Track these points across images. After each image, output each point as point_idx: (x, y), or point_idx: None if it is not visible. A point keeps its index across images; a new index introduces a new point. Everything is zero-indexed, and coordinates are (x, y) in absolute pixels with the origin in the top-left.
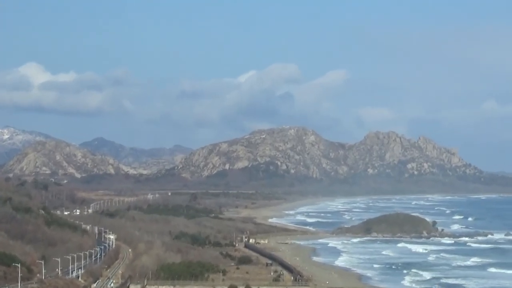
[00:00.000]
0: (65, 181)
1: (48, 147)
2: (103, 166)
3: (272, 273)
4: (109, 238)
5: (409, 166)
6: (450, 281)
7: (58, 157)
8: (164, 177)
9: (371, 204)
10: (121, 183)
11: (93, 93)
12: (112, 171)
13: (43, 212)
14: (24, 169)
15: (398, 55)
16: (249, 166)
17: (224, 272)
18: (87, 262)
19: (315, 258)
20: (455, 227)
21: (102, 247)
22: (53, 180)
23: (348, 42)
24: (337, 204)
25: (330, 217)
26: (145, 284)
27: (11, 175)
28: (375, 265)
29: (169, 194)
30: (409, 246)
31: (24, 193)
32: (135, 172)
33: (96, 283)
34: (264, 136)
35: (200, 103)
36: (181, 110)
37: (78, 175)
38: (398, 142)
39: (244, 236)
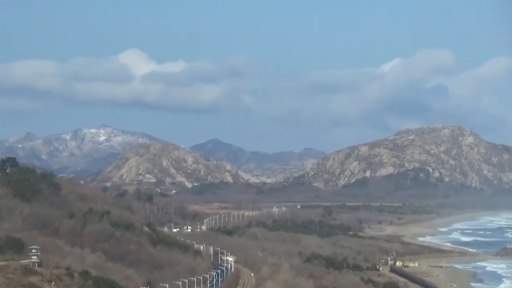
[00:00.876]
0: (173, 192)
1: (152, 151)
2: (219, 174)
3: None
4: (227, 260)
5: None
6: None
7: (164, 163)
8: (292, 186)
9: None
10: (240, 193)
11: (206, 86)
12: (229, 179)
13: (147, 229)
14: (124, 177)
15: None
16: (395, 173)
17: None
18: None
19: (474, 285)
20: None
21: (219, 271)
22: (158, 190)
23: None
24: (501, 219)
25: (491, 236)
26: None
27: (109, 184)
28: None
29: (299, 207)
30: None
31: (125, 206)
32: (257, 181)
33: None
34: (412, 137)
35: (335, 98)
36: (312, 107)
37: (188, 185)
38: None
39: (389, 258)
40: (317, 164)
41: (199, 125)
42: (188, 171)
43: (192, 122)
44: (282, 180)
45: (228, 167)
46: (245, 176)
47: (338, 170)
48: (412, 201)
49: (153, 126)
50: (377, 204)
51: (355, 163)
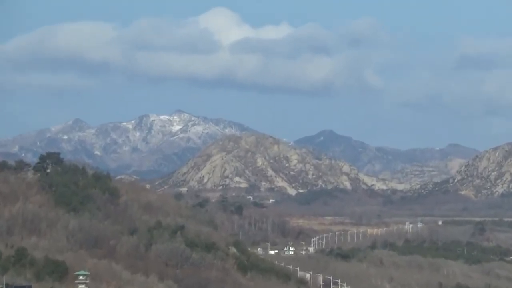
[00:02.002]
0: (271, 201)
1: (244, 145)
2: (333, 177)
3: None
4: None
5: None
6: None
7: (260, 162)
8: (432, 195)
9: None
10: (361, 204)
11: (317, 59)
12: (347, 184)
13: (234, 250)
14: (205, 180)
15: None
16: None
17: None
18: None
19: None
20: None
21: None
22: (251, 198)
23: None
24: None
25: None
26: None
27: (184, 189)
28: None
29: (440, 223)
30: None
31: (205, 220)
32: (384, 187)
33: None
34: None
35: (490, 76)
36: (460, 88)
37: (292, 191)
38: None
39: None
40: (465, 166)
41: (307, 112)
42: (292, 173)
43: (297, 107)
44: (418, 186)
45: (346, 168)
46: (368, 180)
47: (495, 173)
48: None
49: (245, 112)
50: None
51: None
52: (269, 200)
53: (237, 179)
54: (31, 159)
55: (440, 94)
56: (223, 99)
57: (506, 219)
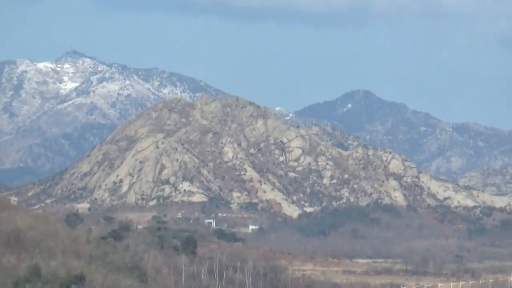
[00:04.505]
0: (252, 229)
1: (199, 120)
2: (372, 183)
3: None
4: None
5: None
6: None
7: (230, 152)
8: None
9: None
10: (425, 235)
11: None
12: (398, 198)
13: None
14: (125, 188)
15: None
16: None
17: None
18: None
19: None
20: None
21: None
22: (213, 223)
23: None
24: None
25: None
26: None
27: (84, 206)
28: None
29: None
30: None
31: (124, 265)
32: (470, 203)
33: None
34: None
35: None
36: None
37: (291, 210)
38: None
39: None
40: None
41: (319, 57)
42: (292, 174)
43: (300, 46)
44: None
45: (396, 165)
46: (439, 189)
47: None
48: None
49: (202, 58)
50: None
51: None
52: (248, 227)
53: (185, 185)
54: None
55: None
56: (157, 31)
57: None
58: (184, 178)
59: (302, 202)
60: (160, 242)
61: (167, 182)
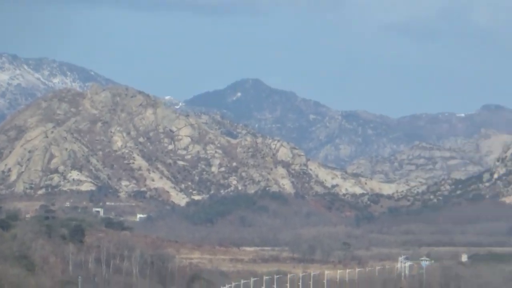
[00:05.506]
0: (140, 217)
1: (89, 110)
2: (260, 171)
3: None
4: None
5: None
6: None
7: (119, 141)
8: (450, 204)
9: None
10: (313, 223)
11: None
12: (286, 185)
13: None
14: (12, 177)
15: None
16: None
17: None
18: None
19: None
20: None
21: None
22: (100, 212)
23: None
24: None
25: None
26: None
27: None
28: None
29: (465, 258)
30: None
31: (11, 254)
32: (358, 190)
33: None
34: None
35: None
36: None
37: (179, 199)
38: None
39: None
40: None
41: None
42: (181, 163)
43: (191, 34)
44: (423, 188)
45: (284, 152)
46: (327, 177)
47: None
48: None
49: (92, 47)
50: None
51: None
52: (136, 215)
53: (74, 174)
54: None
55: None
56: (47, 21)
57: None
58: (73, 167)
59: (190, 190)
60: (48, 231)
61: (56, 171)
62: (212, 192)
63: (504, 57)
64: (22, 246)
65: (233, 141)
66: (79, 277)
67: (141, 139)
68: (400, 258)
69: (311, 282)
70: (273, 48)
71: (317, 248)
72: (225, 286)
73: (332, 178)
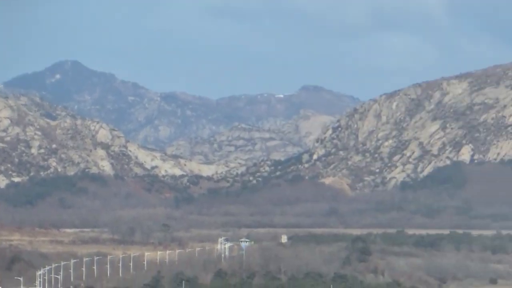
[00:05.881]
0: None
1: None
2: (79, 152)
3: None
4: None
5: None
6: None
7: None
8: (269, 185)
9: None
10: (132, 204)
11: None
12: (106, 167)
13: None
14: None
15: None
16: None
17: None
18: None
19: None
20: None
21: None
22: None
23: None
24: None
25: None
26: None
27: None
28: None
29: (284, 239)
30: None
31: None
32: (177, 172)
33: None
34: None
35: None
36: None
37: None
38: None
39: None
40: (333, 129)
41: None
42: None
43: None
44: (242, 170)
45: (103, 134)
46: (146, 158)
47: (390, 144)
48: None
49: None
50: (489, 231)
51: (432, 124)
52: None
53: None
54: None
55: None
56: None
57: (410, 231)
58: None
59: (10, 172)
60: None
61: None
62: (32, 174)
63: (322, 38)
64: None
65: (53, 123)
66: None
67: None
68: (220, 239)
69: (131, 264)
70: (91, 29)
71: (137, 229)
72: (45, 267)
73: (152, 160)
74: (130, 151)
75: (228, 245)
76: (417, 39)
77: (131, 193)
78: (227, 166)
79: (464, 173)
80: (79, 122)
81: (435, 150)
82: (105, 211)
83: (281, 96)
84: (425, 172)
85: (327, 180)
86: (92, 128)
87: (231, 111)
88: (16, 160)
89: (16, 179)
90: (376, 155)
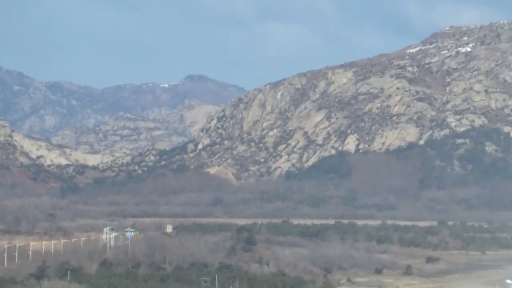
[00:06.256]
0: None
1: None
2: None
3: None
4: None
5: None
6: None
7: None
8: (155, 175)
9: None
10: (17, 194)
11: None
12: None
13: None
14: None
15: None
16: (421, 142)
17: None
18: None
19: None
20: None
21: None
22: None
23: None
24: None
25: None
26: None
27: None
28: None
29: (170, 229)
30: None
31: None
32: (63, 161)
33: None
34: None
35: None
36: None
37: None
38: None
39: None
40: (218, 118)
41: None
42: None
43: None
44: (128, 159)
45: None
46: (32, 148)
47: (275, 134)
48: (465, 214)
49: None
50: (374, 220)
51: (322, 115)
52: None
53: None
54: None
55: None
56: None
57: (295, 221)
58: None
59: None
60: None
61: None
62: None
63: (207, 28)
64: None
65: None
66: None
67: None
68: (105, 229)
69: (16, 254)
70: None
71: (22, 219)
72: None
73: (37, 149)
74: (15, 140)
75: (113, 235)
76: (302, 28)
77: (16, 183)
78: (113, 156)
79: (349, 163)
80: None
81: (320, 140)
82: None
83: (166, 85)
84: (310, 162)
85: (212, 170)
86: None
87: (116, 101)
88: None
89: None
90: (261, 145)
